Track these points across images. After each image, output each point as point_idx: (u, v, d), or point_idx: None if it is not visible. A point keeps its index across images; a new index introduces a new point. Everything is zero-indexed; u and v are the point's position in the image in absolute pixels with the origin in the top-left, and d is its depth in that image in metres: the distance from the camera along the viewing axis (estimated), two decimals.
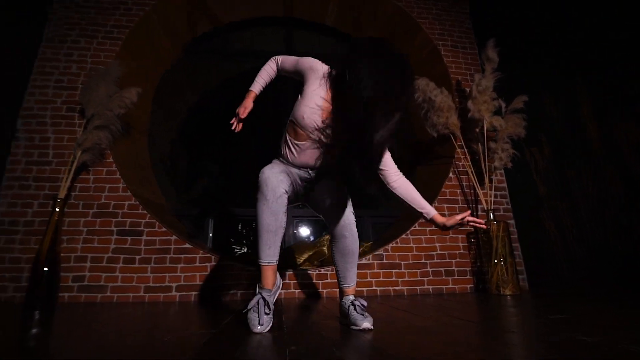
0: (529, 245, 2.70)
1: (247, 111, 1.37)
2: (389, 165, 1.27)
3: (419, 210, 1.28)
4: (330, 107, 1.18)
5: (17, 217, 2.35)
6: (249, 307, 1.10)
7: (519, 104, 2.59)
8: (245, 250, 3.84)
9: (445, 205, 2.82)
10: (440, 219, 1.24)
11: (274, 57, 1.42)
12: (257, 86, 1.41)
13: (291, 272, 2.46)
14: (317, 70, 1.24)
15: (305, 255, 2.70)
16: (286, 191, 1.20)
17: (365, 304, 1.21)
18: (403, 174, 1.32)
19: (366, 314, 1.16)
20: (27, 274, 2.23)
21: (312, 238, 3.45)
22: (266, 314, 1.09)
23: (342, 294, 1.33)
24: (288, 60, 1.37)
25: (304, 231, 3.44)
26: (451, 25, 3.40)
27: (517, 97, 2.61)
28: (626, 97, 1.95)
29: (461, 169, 2.91)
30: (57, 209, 2.10)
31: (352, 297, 1.27)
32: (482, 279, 2.59)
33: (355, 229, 1.31)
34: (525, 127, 2.57)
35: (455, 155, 2.93)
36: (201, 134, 4.01)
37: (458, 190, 2.88)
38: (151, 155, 3.26)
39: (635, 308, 1.41)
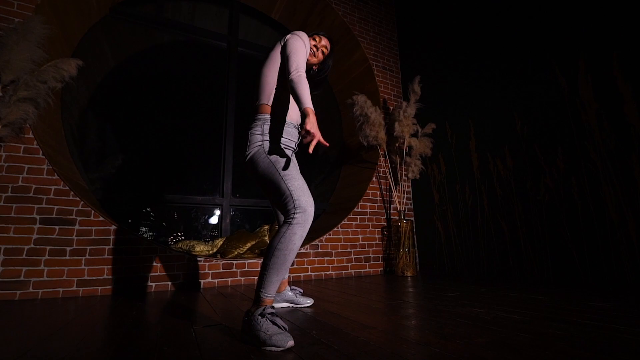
0: (424, 239, 3.54)
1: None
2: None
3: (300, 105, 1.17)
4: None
5: None
6: (267, 332, 1.03)
7: (429, 129, 3.32)
8: (147, 231, 3.72)
9: (368, 204, 3.41)
10: (306, 121, 1.11)
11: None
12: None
13: (237, 262, 2.63)
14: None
15: (248, 245, 2.89)
16: None
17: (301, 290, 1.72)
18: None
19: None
20: None
21: (246, 226, 3.62)
22: (284, 328, 1.07)
23: (282, 285, 1.69)
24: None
25: (241, 220, 3.58)
26: (383, 49, 3.95)
27: (428, 123, 3.33)
28: (498, 135, 2.82)
29: (381, 175, 3.54)
30: None
31: (289, 287, 1.71)
32: (389, 263, 3.30)
33: None
34: (432, 149, 3.32)
35: (378, 163, 3.53)
36: (117, 105, 3.60)
37: (378, 192, 3.51)
38: (64, 126, 2.82)
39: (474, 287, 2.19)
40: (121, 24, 3.23)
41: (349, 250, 3.16)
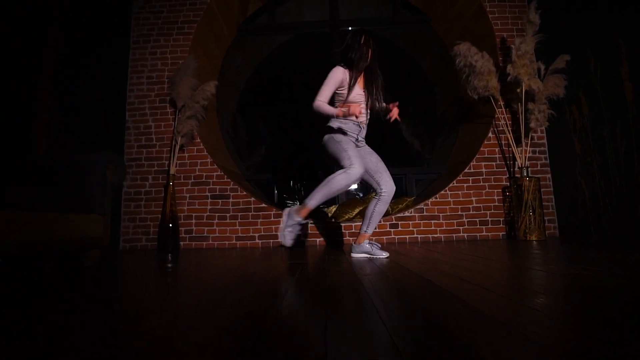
0: (565, 199, 2.94)
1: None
2: None
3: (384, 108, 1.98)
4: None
5: (138, 189, 3.15)
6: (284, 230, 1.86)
7: (560, 63, 2.65)
8: (298, 204, 4.51)
9: (483, 163, 3.10)
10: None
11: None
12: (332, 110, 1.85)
13: (346, 224, 3.03)
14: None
15: (357, 210, 3.23)
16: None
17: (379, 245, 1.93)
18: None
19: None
20: (154, 229, 3.08)
21: (360, 195, 3.97)
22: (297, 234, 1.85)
23: (362, 238, 1.91)
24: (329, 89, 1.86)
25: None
26: None
27: (560, 56, 2.66)
28: None
29: (500, 129, 3.10)
30: (171, 183, 2.82)
31: (368, 241, 1.91)
32: (513, 227, 2.94)
33: None
34: (566, 87, 2.66)
35: (495, 115, 3.11)
36: (256, 104, 4.53)
37: (497, 149, 3.11)
38: (220, 129, 3.86)
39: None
40: (247, 39, 4.02)
41: (459, 213, 3.02)
